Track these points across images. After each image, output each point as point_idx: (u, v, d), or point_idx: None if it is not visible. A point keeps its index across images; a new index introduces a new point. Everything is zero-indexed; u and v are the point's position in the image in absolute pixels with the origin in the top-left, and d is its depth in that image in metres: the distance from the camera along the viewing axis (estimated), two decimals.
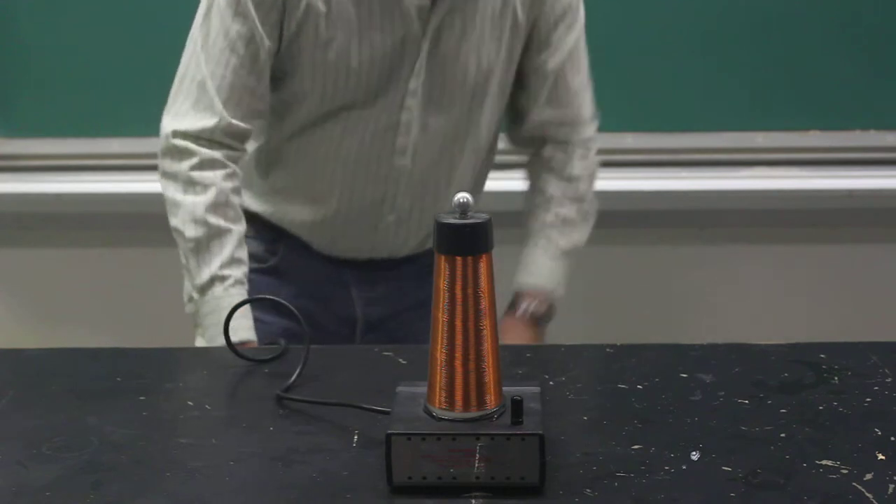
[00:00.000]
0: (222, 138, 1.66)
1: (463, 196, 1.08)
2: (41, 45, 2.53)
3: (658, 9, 2.48)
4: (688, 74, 2.48)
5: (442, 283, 1.09)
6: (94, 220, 2.60)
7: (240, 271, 1.65)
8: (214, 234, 1.64)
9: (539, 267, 1.83)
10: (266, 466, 1.15)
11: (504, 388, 1.12)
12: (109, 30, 2.54)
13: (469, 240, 1.08)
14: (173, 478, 1.13)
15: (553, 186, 1.85)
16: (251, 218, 1.78)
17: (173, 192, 1.67)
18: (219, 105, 1.64)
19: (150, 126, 2.39)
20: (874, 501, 1.05)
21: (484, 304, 1.09)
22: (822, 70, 2.50)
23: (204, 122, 1.65)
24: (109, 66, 2.54)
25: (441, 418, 1.10)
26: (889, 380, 1.36)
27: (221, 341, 1.44)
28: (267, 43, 1.63)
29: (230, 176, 1.67)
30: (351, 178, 1.73)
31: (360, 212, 1.76)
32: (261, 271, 1.80)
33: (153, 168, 2.53)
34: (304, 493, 1.09)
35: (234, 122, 1.66)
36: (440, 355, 1.10)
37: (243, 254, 1.67)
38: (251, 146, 1.76)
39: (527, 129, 1.85)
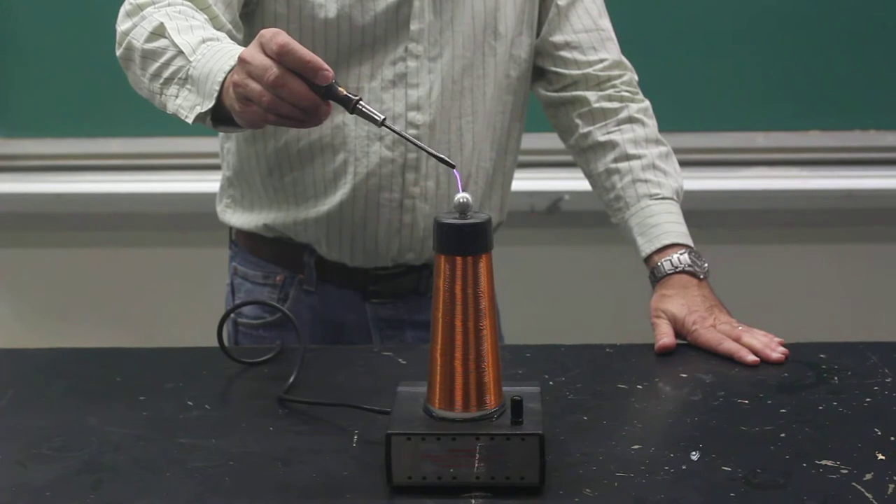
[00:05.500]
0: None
1: (463, 196, 1.08)
2: (41, 45, 2.53)
3: (657, 9, 2.48)
4: (688, 75, 2.48)
5: (442, 283, 1.09)
6: (94, 220, 2.59)
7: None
8: (189, 16, 1.40)
9: (655, 219, 1.57)
10: (266, 466, 1.15)
11: (504, 388, 1.12)
12: (109, 30, 2.53)
13: (469, 240, 1.08)
14: (173, 478, 1.13)
15: (617, 135, 1.63)
16: (256, 250, 1.65)
17: (131, 39, 1.48)
18: None
19: (150, 126, 2.41)
20: (874, 501, 1.05)
21: (484, 304, 1.09)
22: (822, 70, 2.50)
23: None
24: (109, 66, 2.52)
25: (441, 418, 1.10)
26: (889, 380, 1.36)
27: (214, 87, 1.24)
28: None
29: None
30: (365, 143, 1.54)
31: (381, 186, 1.56)
32: (272, 326, 1.62)
33: (153, 168, 2.57)
34: (304, 493, 1.09)
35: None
36: (440, 355, 1.10)
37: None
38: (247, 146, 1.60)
39: (564, 81, 1.65)
